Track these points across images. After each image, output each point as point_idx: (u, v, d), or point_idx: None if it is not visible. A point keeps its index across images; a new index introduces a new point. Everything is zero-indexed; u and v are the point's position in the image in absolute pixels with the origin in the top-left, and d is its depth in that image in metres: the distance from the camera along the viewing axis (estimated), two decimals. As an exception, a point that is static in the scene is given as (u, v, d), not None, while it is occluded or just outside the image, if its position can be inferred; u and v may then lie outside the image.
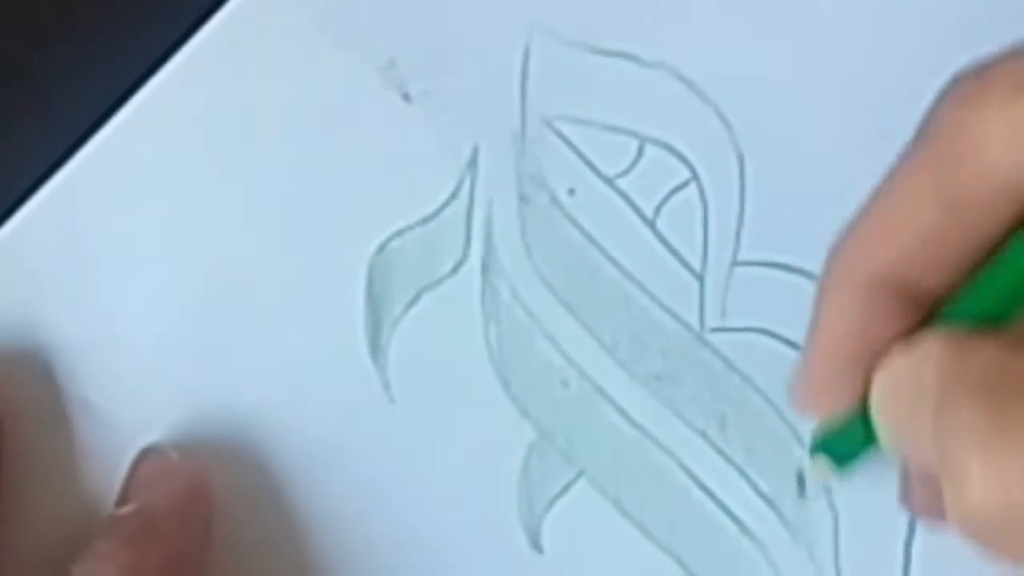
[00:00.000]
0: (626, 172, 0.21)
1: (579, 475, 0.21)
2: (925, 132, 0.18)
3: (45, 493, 0.22)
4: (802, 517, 0.21)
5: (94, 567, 0.21)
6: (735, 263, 0.21)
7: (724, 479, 0.21)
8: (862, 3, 0.21)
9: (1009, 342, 0.18)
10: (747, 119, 0.21)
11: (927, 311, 0.19)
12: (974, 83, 0.18)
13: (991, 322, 0.18)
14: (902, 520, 0.21)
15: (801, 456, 0.21)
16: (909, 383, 0.18)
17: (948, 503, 0.17)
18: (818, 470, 0.20)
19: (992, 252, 0.18)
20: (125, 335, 0.22)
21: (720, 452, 0.21)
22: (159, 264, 0.22)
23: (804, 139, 0.21)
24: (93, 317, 0.22)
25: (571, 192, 0.21)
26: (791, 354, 0.21)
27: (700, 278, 0.21)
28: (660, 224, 0.21)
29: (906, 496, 0.21)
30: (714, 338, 0.21)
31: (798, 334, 0.20)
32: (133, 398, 0.22)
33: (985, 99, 0.17)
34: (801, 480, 0.22)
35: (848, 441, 0.20)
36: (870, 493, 0.20)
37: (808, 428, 0.21)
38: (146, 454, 0.22)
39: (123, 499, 0.22)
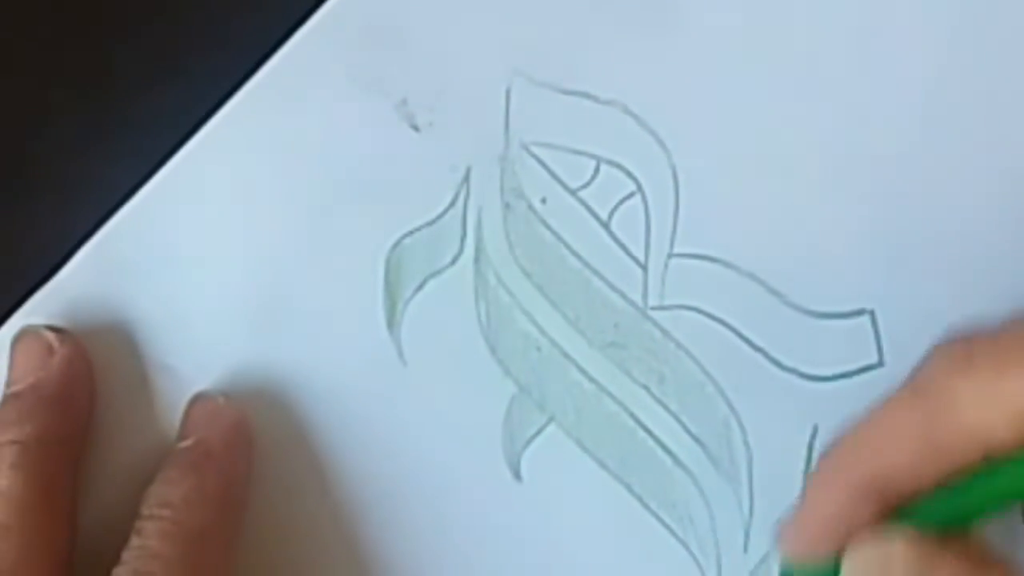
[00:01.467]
0: (586, 185, 0.24)
1: (549, 421, 0.24)
2: (917, 381, 0.20)
3: (133, 438, 0.24)
4: (724, 454, 0.24)
5: (165, 489, 0.23)
6: (671, 255, 0.24)
7: (662, 423, 0.24)
8: (771, 48, 0.24)
9: (961, 558, 0.20)
10: (680, 144, 0.24)
11: (895, 506, 0.21)
12: (963, 354, 0.20)
13: (944, 529, 0.20)
14: (802, 455, 0.23)
15: (725, 409, 0.24)
16: (877, 570, 0.20)
17: None
18: None
19: (958, 475, 0.20)
20: (196, 313, 0.25)
21: (659, 402, 0.24)
22: (223, 258, 0.25)
23: (724, 158, 0.24)
24: (171, 299, 0.25)
25: (543, 201, 0.24)
26: (716, 326, 0.24)
27: (644, 267, 0.24)
28: (613, 226, 0.24)
29: None
30: (654, 314, 0.24)
31: (721, 310, 0.24)
32: (202, 362, 0.25)
33: (970, 372, 0.20)
34: None
35: None
36: (777, 438, 0.23)
37: (732, 382, 0.24)
38: (198, 398, 0.24)
39: (182, 435, 0.24)
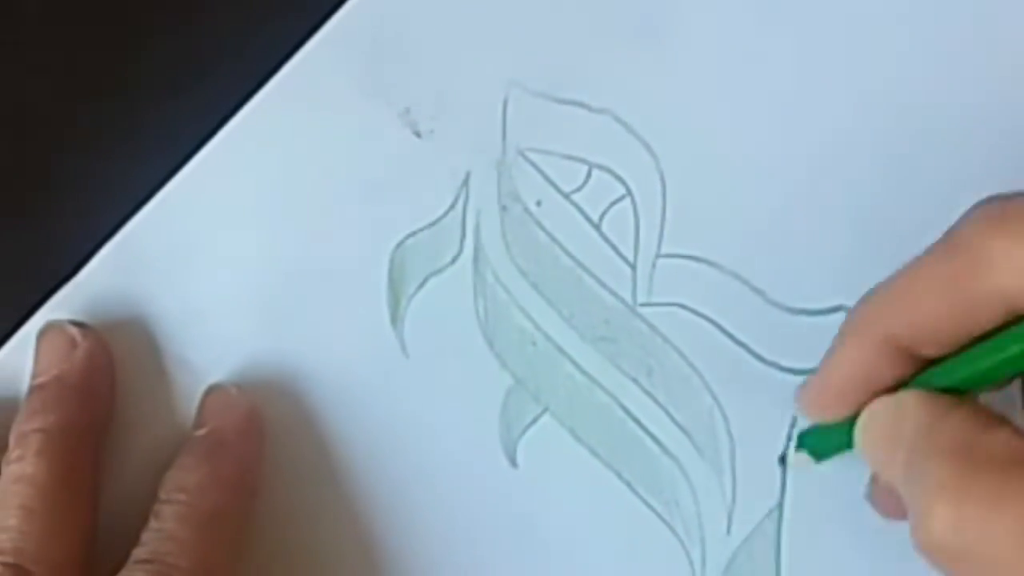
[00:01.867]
0: (579, 189, 0.25)
1: (544, 411, 0.25)
2: (951, 239, 0.20)
3: (150, 426, 0.25)
4: (709, 442, 0.24)
5: (181, 475, 0.23)
6: (659, 255, 0.25)
7: (650, 413, 0.24)
8: (754, 61, 0.25)
9: (970, 415, 0.19)
10: (667, 150, 0.25)
11: (917, 369, 0.21)
12: (998, 213, 0.19)
13: (956, 391, 0.20)
14: (781, 443, 0.24)
15: (710, 400, 0.24)
16: (889, 426, 0.21)
17: (913, 527, 0.19)
18: (799, 459, 0.23)
19: (977, 340, 0.20)
20: (212, 310, 0.25)
21: (648, 394, 0.24)
22: (237, 257, 0.26)
23: (709, 164, 0.25)
24: (187, 295, 0.25)
25: (538, 203, 0.25)
26: (701, 322, 0.24)
27: (633, 266, 0.25)
28: (604, 227, 0.25)
29: (871, 496, 0.23)
30: (643, 310, 0.25)
31: (706, 307, 0.25)
32: (216, 355, 0.25)
33: (1003, 230, 0.19)
34: (783, 460, 0.24)
35: (829, 443, 0.23)
36: (759, 427, 0.24)
37: (716, 375, 0.24)
38: (212, 389, 0.25)
39: (198, 424, 0.25)
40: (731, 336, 0.24)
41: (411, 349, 0.25)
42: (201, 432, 0.24)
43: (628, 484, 0.24)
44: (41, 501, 0.22)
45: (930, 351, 0.20)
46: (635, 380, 0.24)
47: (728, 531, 0.24)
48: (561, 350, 0.25)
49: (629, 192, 0.25)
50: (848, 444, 0.22)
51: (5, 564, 0.22)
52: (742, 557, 0.24)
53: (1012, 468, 0.18)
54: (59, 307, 0.25)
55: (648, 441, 0.24)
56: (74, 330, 0.24)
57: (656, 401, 0.24)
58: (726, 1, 0.26)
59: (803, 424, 0.24)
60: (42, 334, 0.25)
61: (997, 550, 0.18)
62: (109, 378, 0.25)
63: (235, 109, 0.26)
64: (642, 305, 0.25)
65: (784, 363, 0.24)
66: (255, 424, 0.25)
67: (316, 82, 0.26)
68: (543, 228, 0.25)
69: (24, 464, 0.23)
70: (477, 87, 0.25)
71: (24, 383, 0.25)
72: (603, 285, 0.25)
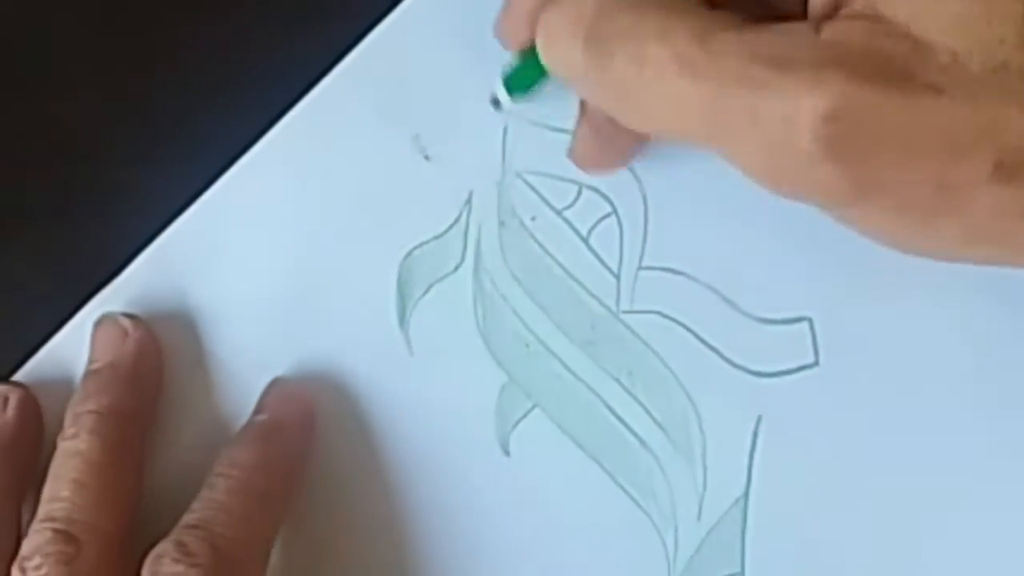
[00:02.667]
0: (570, 206, 0.26)
1: (534, 406, 0.25)
2: None
3: (189, 416, 0.26)
4: (683, 438, 0.25)
5: (238, 452, 0.24)
6: (640, 268, 0.25)
7: (630, 410, 0.25)
8: None
9: None
10: (649, 174, 0.25)
11: None
12: None
13: None
14: (748, 440, 0.24)
15: (684, 399, 0.25)
16: (569, 10, 0.20)
17: (596, 88, 0.20)
18: (500, 93, 0.24)
19: None
20: (241, 308, 0.27)
21: (628, 392, 0.25)
22: (266, 262, 0.27)
23: (686, 186, 0.25)
24: (221, 295, 0.26)
25: (533, 219, 0.26)
26: (678, 328, 0.25)
27: (617, 277, 0.25)
28: (591, 241, 0.25)
29: (573, 153, 0.24)
30: (625, 317, 0.25)
31: (683, 315, 0.25)
32: (245, 350, 0.26)
33: None
34: (496, 101, 0.24)
35: (528, 76, 0.23)
36: (728, 424, 0.25)
37: (690, 376, 0.25)
38: (277, 381, 0.25)
39: (258, 410, 0.25)
40: (704, 342, 0.25)
41: (416, 348, 0.26)
42: (261, 417, 0.25)
43: (609, 473, 0.25)
44: (92, 476, 0.23)
45: None
46: (617, 380, 0.25)
47: (699, 517, 0.25)
48: (551, 351, 0.26)
49: (615, 210, 0.26)
50: (543, 72, 0.22)
51: (56, 531, 0.23)
52: (711, 541, 0.25)
53: (680, 7, 0.19)
54: (107, 301, 0.26)
55: (628, 435, 0.25)
56: (126, 322, 0.25)
57: (636, 399, 0.25)
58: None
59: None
60: (98, 324, 0.25)
61: (663, 75, 0.19)
62: (157, 366, 0.26)
63: (264, 131, 0.27)
64: (625, 312, 0.25)
65: (752, 367, 0.25)
66: (310, 419, 0.25)
67: (338, 109, 0.27)
68: (537, 241, 0.26)
69: (78, 441, 0.24)
70: (480, 117, 0.26)
71: (77, 369, 0.26)
72: (590, 293, 0.25)
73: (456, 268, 0.27)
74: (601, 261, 0.26)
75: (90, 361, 0.25)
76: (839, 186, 0.18)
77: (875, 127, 0.17)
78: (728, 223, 0.25)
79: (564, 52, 0.20)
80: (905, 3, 0.18)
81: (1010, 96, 0.17)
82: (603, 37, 0.19)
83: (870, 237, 0.20)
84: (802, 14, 0.20)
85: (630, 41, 0.19)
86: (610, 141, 0.23)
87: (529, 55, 0.22)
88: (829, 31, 0.18)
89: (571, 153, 0.24)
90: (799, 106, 0.17)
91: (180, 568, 0.22)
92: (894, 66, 0.18)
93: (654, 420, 0.25)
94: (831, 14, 0.19)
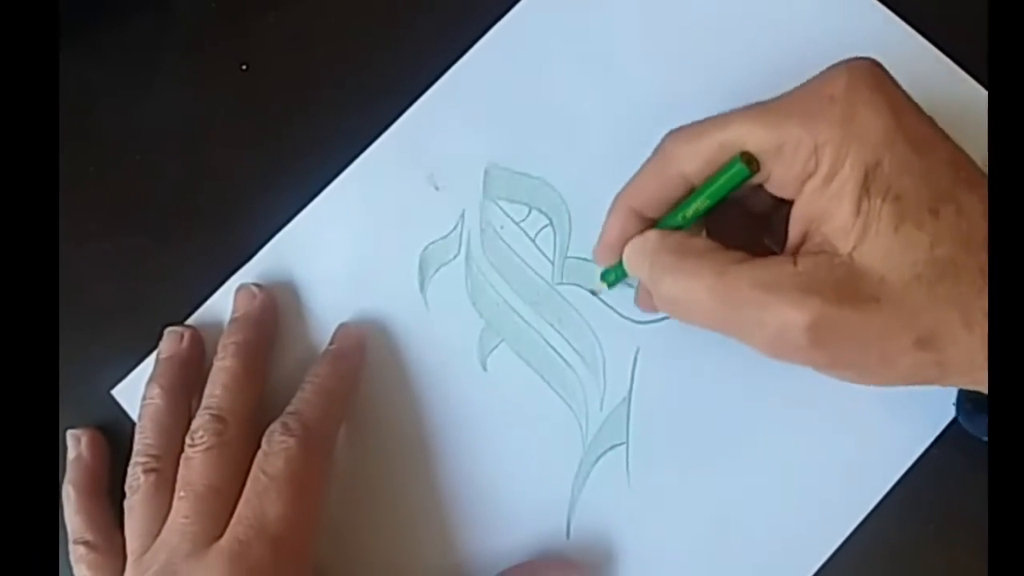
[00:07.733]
0: (524, 220, 0.33)
1: (502, 341, 0.32)
2: (657, 149, 0.25)
3: (292, 346, 0.32)
4: (593, 361, 0.31)
5: (318, 366, 0.29)
6: (567, 256, 0.32)
7: (560, 344, 0.32)
8: (629, 143, 0.28)
9: (681, 235, 0.25)
10: (573, 200, 0.32)
11: (649, 225, 0.26)
12: (677, 130, 0.24)
13: (674, 228, 0.25)
14: (630, 364, 0.31)
15: (592, 336, 0.31)
16: (639, 248, 0.26)
17: (655, 296, 0.24)
18: (598, 286, 0.30)
19: (675, 204, 0.25)
20: (321, 281, 0.32)
21: (559, 333, 0.32)
22: (338, 254, 0.32)
23: (595, 207, 0.30)
24: (310, 275, 0.32)
25: (502, 227, 0.32)
26: (587, 295, 0.32)
27: (552, 263, 0.32)
28: (537, 241, 0.32)
29: (637, 299, 0.29)
30: (558, 287, 0.32)
31: (592, 286, 0.32)
32: (325, 307, 0.32)
33: (680, 138, 0.24)
34: (594, 292, 0.30)
35: (614, 275, 0.29)
36: (618, 352, 0.31)
37: (597, 323, 0.31)
38: (342, 325, 0.31)
39: (331, 341, 0.31)
40: (604, 303, 0.32)
41: (430, 305, 0.32)
42: (332, 346, 0.31)
43: (547, 382, 0.32)
44: (234, 382, 0.29)
45: (653, 214, 0.26)
46: (552, 325, 0.32)
47: (600, 408, 0.31)
48: (512, 308, 0.32)
49: (551, 222, 0.33)
50: (625, 274, 0.28)
51: (212, 415, 0.28)
52: (608, 423, 0.31)
53: (707, 252, 0.24)
54: (243, 276, 0.32)
55: (558, 359, 0.32)
56: (255, 288, 0.31)
57: (564, 337, 0.32)
58: (613, 109, 0.33)
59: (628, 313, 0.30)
60: (237, 290, 0.32)
61: (698, 296, 0.23)
62: (274, 316, 0.32)
63: (336, 175, 0.33)
64: (558, 284, 0.32)
65: (635, 317, 0.32)
66: (362, 348, 0.31)
67: (383, 161, 0.33)
68: (504, 241, 0.32)
69: (225, 361, 0.30)
70: (470, 163, 0.33)
71: (225, 317, 0.32)
72: (536, 273, 0.32)
73: (454, 257, 0.33)
74: (543, 253, 0.33)
75: (233, 312, 0.31)
76: (820, 362, 0.23)
77: (841, 329, 0.21)
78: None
79: (635, 271, 0.27)
80: (846, 243, 0.22)
81: (923, 298, 0.21)
82: (656, 267, 0.25)
83: (838, 379, 0.24)
84: (782, 241, 0.24)
85: (671, 274, 0.24)
86: (651, 303, 0.27)
87: (618, 264, 0.28)
88: (803, 264, 0.22)
89: (636, 301, 0.30)
90: (791, 320, 0.22)
91: (285, 438, 0.27)
92: (847, 287, 0.21)
93: (575, 349, 0.32)
94: (800, 244, 0.23)
